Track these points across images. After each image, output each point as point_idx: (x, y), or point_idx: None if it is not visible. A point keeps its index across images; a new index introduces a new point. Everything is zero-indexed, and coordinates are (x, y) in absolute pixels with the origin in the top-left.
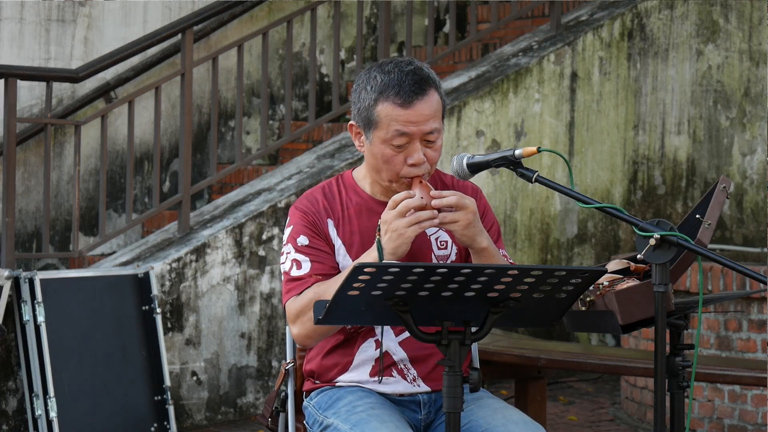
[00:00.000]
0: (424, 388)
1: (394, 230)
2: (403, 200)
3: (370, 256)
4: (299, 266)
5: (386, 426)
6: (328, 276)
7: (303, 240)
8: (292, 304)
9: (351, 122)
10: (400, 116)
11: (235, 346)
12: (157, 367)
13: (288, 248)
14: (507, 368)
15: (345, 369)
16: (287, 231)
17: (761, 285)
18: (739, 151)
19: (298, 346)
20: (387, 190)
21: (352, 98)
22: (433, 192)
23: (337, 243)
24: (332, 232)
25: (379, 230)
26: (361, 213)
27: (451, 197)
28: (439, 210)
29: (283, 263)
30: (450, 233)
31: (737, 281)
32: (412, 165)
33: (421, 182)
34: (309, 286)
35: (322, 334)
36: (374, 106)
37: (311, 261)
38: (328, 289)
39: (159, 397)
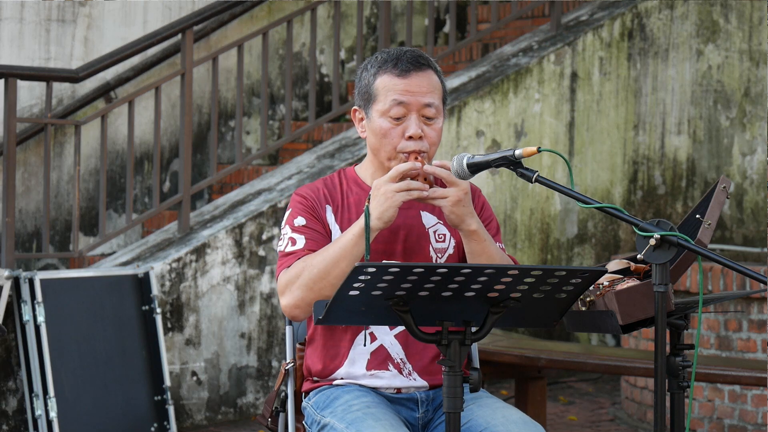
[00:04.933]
0: (420, 382)
1: (383, 193)
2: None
3: (359, 224)
4: (294, 243)
5: (381, 424)
6: None
7: (300, 221)
8: (283, 277)
9: (354, 107)
10: (396, 86)
11: (235, 346)
12: (157, 367)
13: (285, 230)
14: (507, 368)
15: (341, 364)
16: (286, 214)
17: (761, 285)
18: (739, 151)
19: (297, 345)
20: None
21: (355, 82)
22: (426, 167)
23: (335, 228)
24: (330, 217)
25: (369, 198)
26: (361, 202)
27: (442, 171)
28: (431, 185)
29: (280, 244)
30: (441, 215)
31: (737, 281)
32: (410, 138)
33: (417, 159)
34: (300, 258)
35: (310, 303)
36: (373, 80)
37: (306, 238)
38: (316, 257)
39: (159, 397)
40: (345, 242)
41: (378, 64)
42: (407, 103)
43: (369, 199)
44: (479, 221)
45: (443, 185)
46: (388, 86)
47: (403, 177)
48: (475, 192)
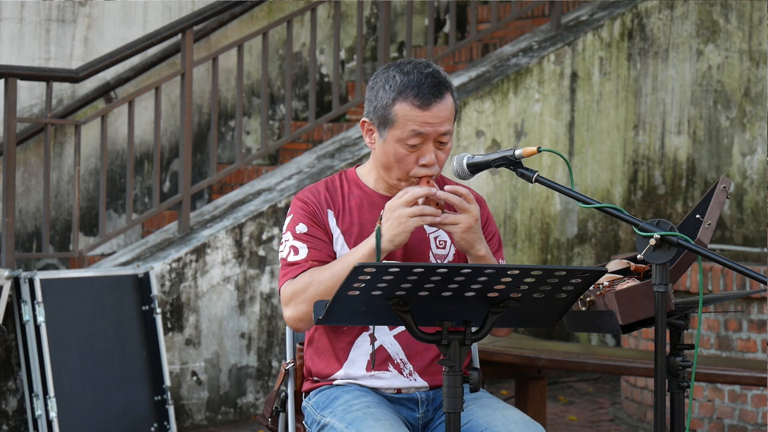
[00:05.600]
0: (420, 382)
1: (396, 217)
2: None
3: (368, 243)
4: (296, 252)
5: (381, 424)
6: (324, 263)
7: (302, 228)
8: (287, 288)
9: (364, 119)
10: (417, 117)
11: (235, 346)
12: (157, 367)
13: (287, 236)
14: (507, 368)
15: (341, 365)
16: (287, 220)
17: (761, 285)
18: (739, 151)
19: (298, 345)
20: (391, 186)
21: (368, 95)
22: (440, 192)
23: (336, 232)
24: (332, 222)
25: (381, 219)
26: (363, 206)
27: (455, 198)
28: (443, 210)
29: (281, 251)
30: (450, 236)
31: (737, 281)
32: (423, 165)
33: (428, 182)
34: (305, 270)
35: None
36: (392, 105)
37: (309, 247)
38: (324, 273)
39: (159, 397)
40: (354, 261)
41: (398, 88)
42: (425, 134)
43: (380, 219)
44: (488, 247)
45: (453, 209)
46: (408, 116)
47: (416, 201)
48: (480, 203)
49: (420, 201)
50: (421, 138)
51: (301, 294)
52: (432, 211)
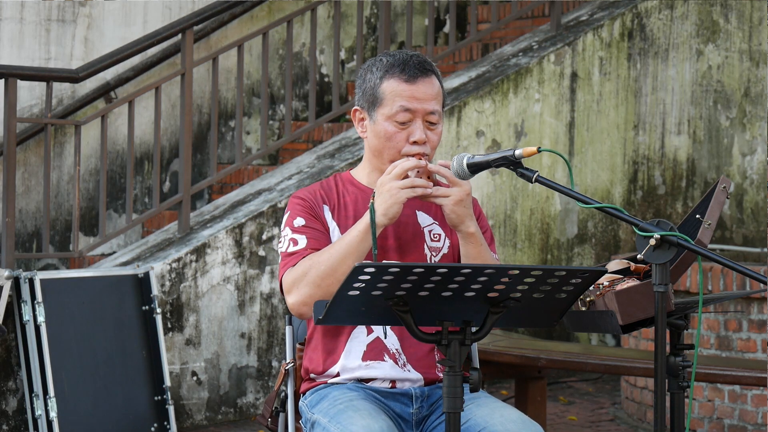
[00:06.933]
0: (414, 374)
1: (387, 190)
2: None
3: (364, 220)
4: (296, 243)
5: (359, 414)
6: None
7: (300, 221)
8: (288, 276)
9: (355, 107)
10: (404, 92)
11: (235, 346)
12: (157, 367)
13: (286, 231)
14: (507, 368)
15: (338, 357)
16: (285, 217)
17: (761, 285)
18: (739, 151)
19: (298, 345)
20: None
21: (357, 83)
22: (430, 165)
23: (332, 225)
24: (327, 215)
25: (374, 195)
26: (357, 201)
27: (445, 170)
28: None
29: (281, 246)
30: (437, 216)
31: (737, 281)
32: (414, 143)
33: (420, 159)
34: (304, 257)
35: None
36: (380, 84)
37: (307, 238)
38: (322, 254)
39: (159, 397)
40: (351, 239)
41: (384, 67)
42: (413, 110)
43: (374, 196)
44: (477, 226)
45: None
46: (395, 91)
47: (406, 175)
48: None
49: (411, 175)
50: (409, 114)
51: (302, 278)
52: (422, 182)
